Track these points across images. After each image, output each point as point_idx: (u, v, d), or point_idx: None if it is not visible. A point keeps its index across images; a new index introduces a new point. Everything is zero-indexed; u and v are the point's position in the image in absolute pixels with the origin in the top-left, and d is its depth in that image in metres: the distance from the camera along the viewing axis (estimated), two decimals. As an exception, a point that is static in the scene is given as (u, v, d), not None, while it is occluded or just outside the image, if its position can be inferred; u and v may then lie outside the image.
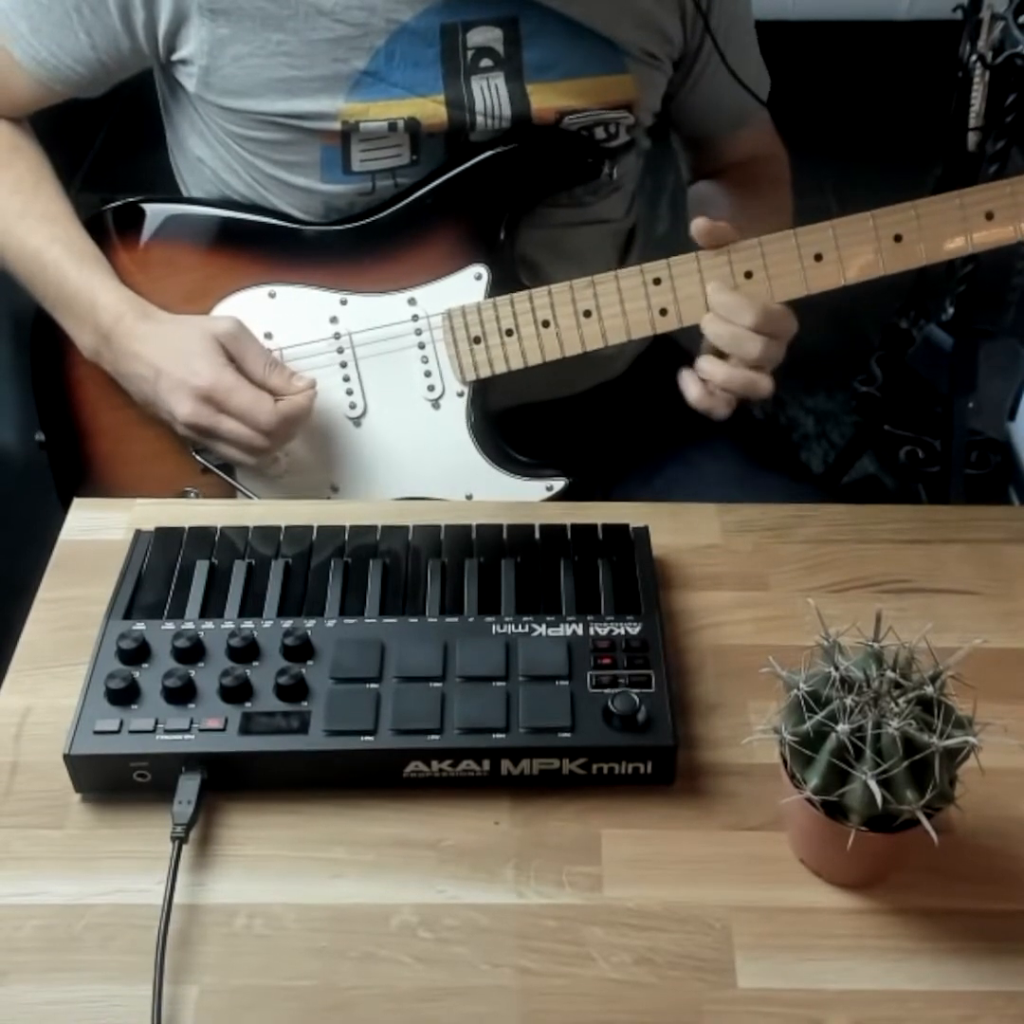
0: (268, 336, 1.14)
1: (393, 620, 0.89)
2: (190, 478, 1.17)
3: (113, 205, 1.17)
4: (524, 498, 1.14)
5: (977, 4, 1.48)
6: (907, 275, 1.08)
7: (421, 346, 1.14)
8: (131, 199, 1.17)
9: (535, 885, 0.78)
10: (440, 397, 1.15)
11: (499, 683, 0.84)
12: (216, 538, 0.95)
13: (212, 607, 0.90)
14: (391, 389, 1.15)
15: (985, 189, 1.05)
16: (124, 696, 0.82)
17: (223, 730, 0.81)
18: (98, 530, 1.01)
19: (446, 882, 0.78)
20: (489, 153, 1.11)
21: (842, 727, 0.70)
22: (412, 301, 1.13)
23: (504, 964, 0.74)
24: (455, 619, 0.89)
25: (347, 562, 0.93)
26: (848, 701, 0.71)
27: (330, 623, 0.88)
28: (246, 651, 0.85)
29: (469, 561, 0.93)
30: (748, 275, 1.07)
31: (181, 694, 0.83)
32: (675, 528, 1.01)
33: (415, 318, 1.13)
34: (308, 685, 0.84)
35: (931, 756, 0.70)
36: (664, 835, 0.81)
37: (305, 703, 0.83)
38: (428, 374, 1.14)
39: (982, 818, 0.80)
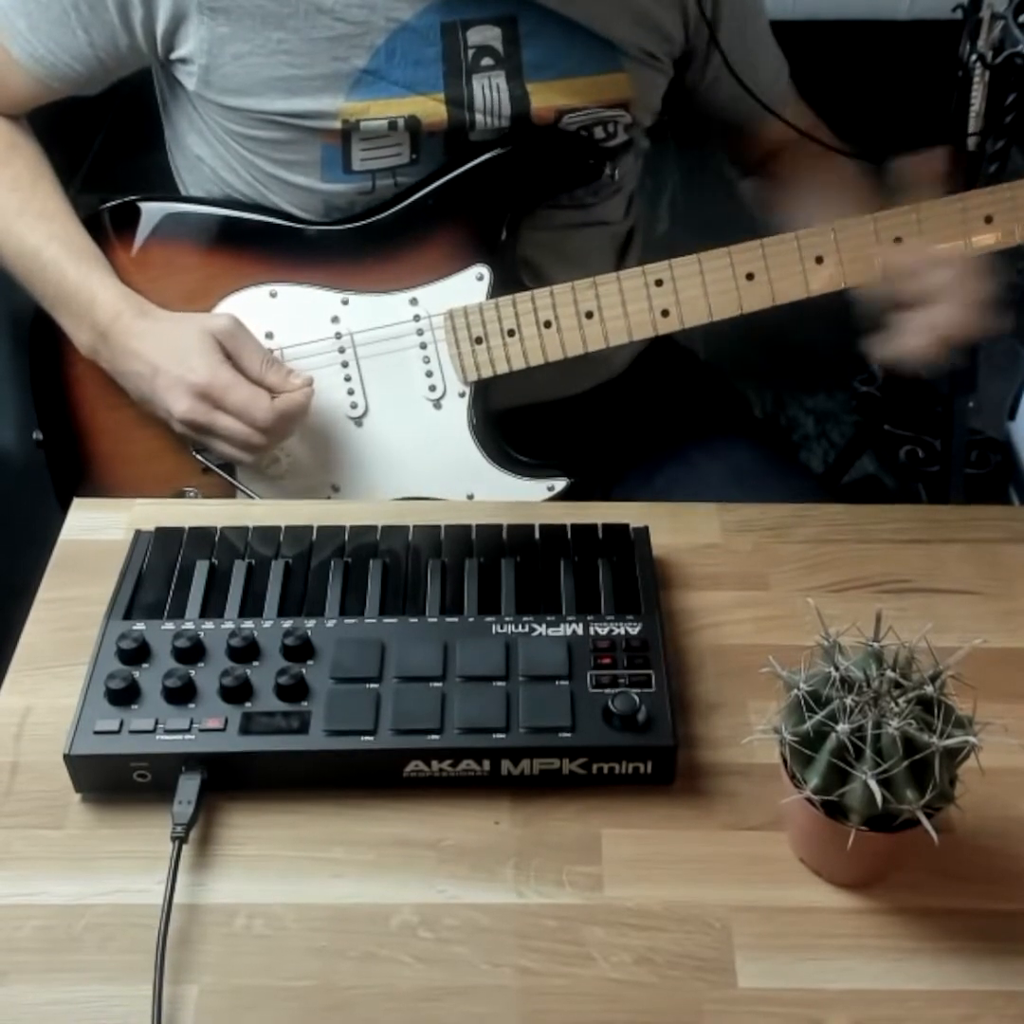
0: (269, 336, 1.14)
1: (393, 620, 0.89)
2: (190, 477, 1.17)
3: (111, 204, 1.17)
4: (525, 498, 1.14)
5: (977, 4, 1.48)
6: (908, 274, 1.08)
7: (423, 346, 1.14)
8: (129, 198, 1.17)
9: (535, 885, 0.78)
10: (441, 397, 1.15)
11: (499, 683, 0.84)
12: (216, 538, 0.95)
13: (212, 607, 0.90)
14: (392, 389, 1.15)
15: (986, 193, 1.06)
16: (124, 696, 0.82)
17: (223, 730, 0.81)
18: (98, 530, 1.01)
19: (446, 882, 0.78)
20: (491, 154, 1.11)
21: (842, 727, 0.70)
22: (414, 301, 1.13)
23: (504, 964, 0.74)
24: (455, 619, 0.89)
25: (347, 562, 0.93)
26: (848, 701, 0.71)
27: (330, 623, 0.88)
28: (246, 651, 0.85)
29: (469, 561, 0.93)
30: (749, 277, 1.07)
31: (181, 694, 0.82)
32: (675, 528, 1.01)
33: (417, 318, 1.13)
34: (308, 685, 0.84)
35: (931, 756, 0.70)
36: (664, 835, 0.81)
37: (305, 703, 0.83)
38: (429, 374, 1.14)
39: (982, 818, 0.80)
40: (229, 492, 1.17)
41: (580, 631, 0.88)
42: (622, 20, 1.12)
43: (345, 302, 1.14)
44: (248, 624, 0.88)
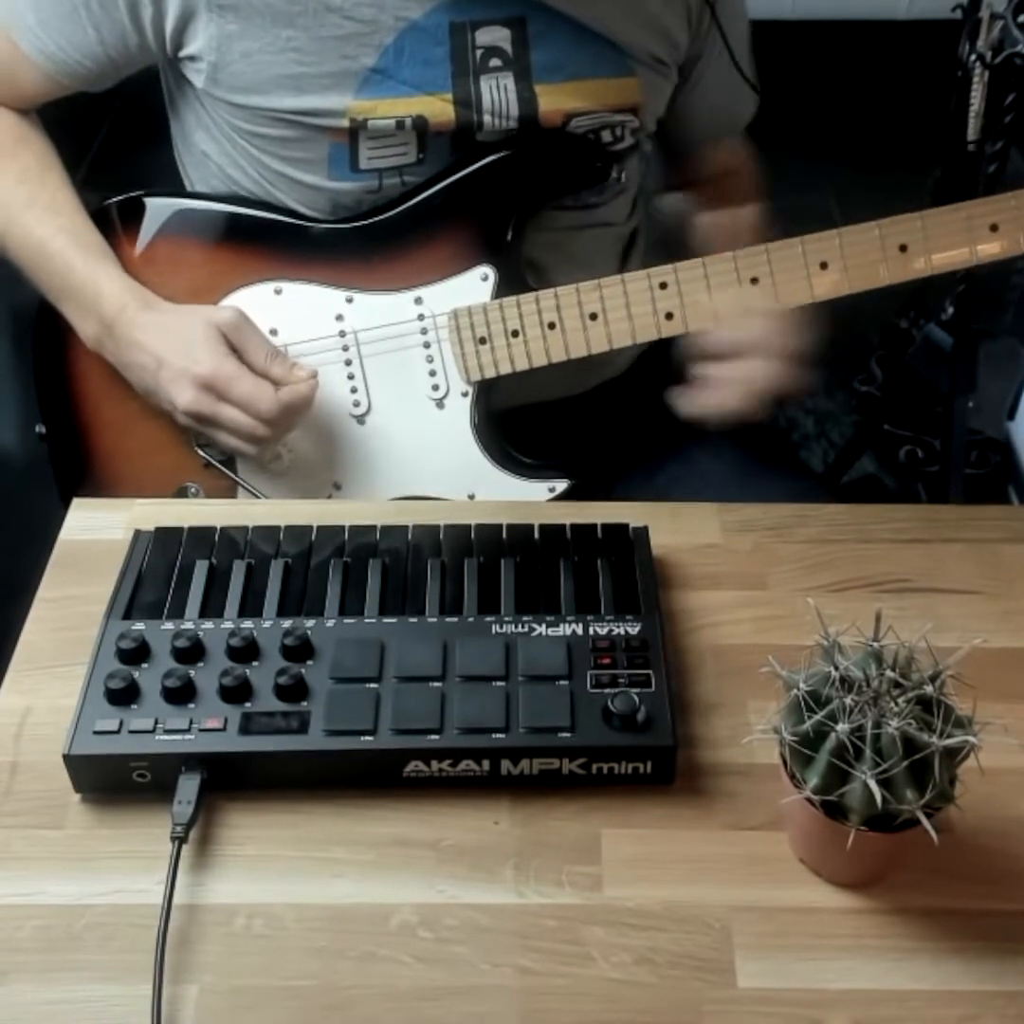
0: (273, 332, 1.14)
1: (393, 620, 0.89)
2: (191, 473, 1.17)
3: (118, 199, 1.18)
4: (527, 499, 1.14)
5: (976, 4, 1.48)
6: (910, 278, 1.08)
7: (426, 345, 1.14)
8: (136, 193, 1.18)
9: (535, 885, 0.78)
10: (444, 397, 1.15)
11: (499, 683, 0.84)
12: (216, 538, 0.95)
13: (212, 607, 0.90)
14: (396, 388, 1.15)
15: (991, 202, 1.06)
16: (124, 696, 0.82)
17: (223, 730, 0.81)
18: (98, 530, 1.01)
19: (446, 882, 0.78)
20: (498, 155, 1.11)
21: (842, 727, 0.70)
22: (418, 300, 1.13)
23: (504, 964, 0.74)
24: (455, 619, 0.89)
25: (347, 562, 0.93)
26: (848, 701, 0.71)
27: (330, 623, 0.88)
28: (246, 651, 0.85)
29: (469, 561, 0.93)
30: (754, 281, 1.07)
31: (181, 694, 0.82)
32: (675, 528, 1.01)
33: (421, 317, 1.13)
34: (308, 685, 0.84)
35: (931, 756, 0.70)
36: (664, 835, 0.81)
37: (305, 703, 0.83)
38: (433, 373, 1.14)
39: (982, 818, 0.80)
40: (231, 488, 1.17)
41: (580, 631, 0.88)
42: (633, 25, 1.12)
43: (349, 300, 1.14)
44: (248, 624, 0.88)
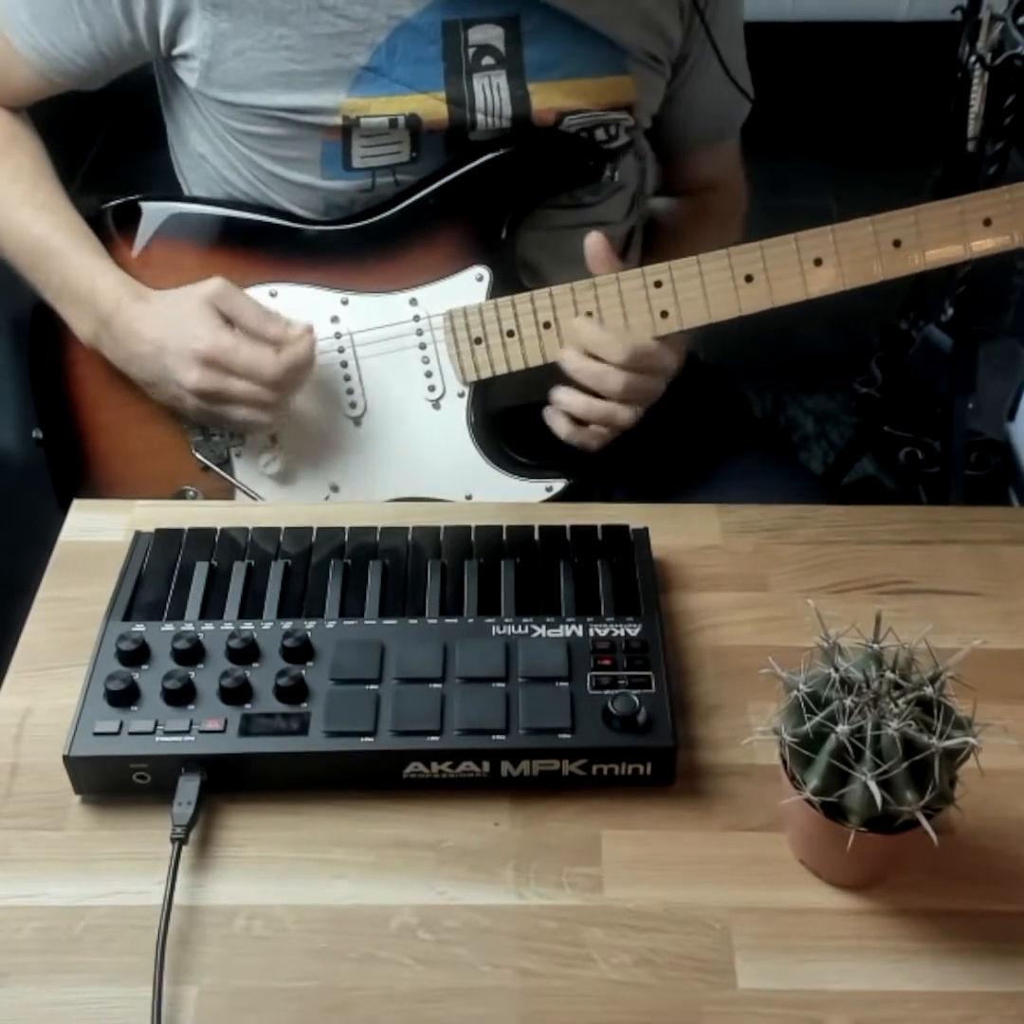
0: None
1: (393, 621, 0.89)
2: (188, 477, 1.17)
3: (113, 204, 1.17)
4: (524, 499, 1.14)
5: (976, 5, 1.48)
6: (906, 276, 1.08)
7: (422, 346, 1.14)
8: (131, 198, 1.17)
9: (535, 886, 0.78)
10: (441, 397, 1.15)
11: (499, 684, 0.84)
12: (216, 539, 0.95)
13: (212, 608, 0.90)
14: (392, 389, 1.15)
15: (984, 196, 1.06)
16: (124, 697, 0.82)
17: (223, 731, 0.81)
18: (98, 531, 1.01)
19: (446, 883, 0.78)
20: (492, 155, 1.11)
21: (842, 728, 0.70)
22: (414, 301, 1.13)
23: (504, 965, 0.74)
24: (455, 620, 0.89)
25: (347, 563, 0.93)
26: (848, 702, 0.71)
27: (330, 624, 0.88)
28: (246, 652, 0.85)
29: (469, 562, 0.93)
30: (748, 279, 1.07)
31: (181, 695, 0.82)
32: (675, 529, 1.01)
33: (416, 318, 1.13)
34: (308, 686, 0.84)
35: (931, 757, 0.70)
36: (664, 836, 0.81)
37: (305, 704, 0.83)
38: (429, 374, 1.14)
39: (982, 819, 0.80)
40: (228, 491, 1.17)
41: (580, 632, 0.88)
42: (628, 22, 1.12)
43: (345, 302, 1.14)
44: (248, 625, 0.88)
